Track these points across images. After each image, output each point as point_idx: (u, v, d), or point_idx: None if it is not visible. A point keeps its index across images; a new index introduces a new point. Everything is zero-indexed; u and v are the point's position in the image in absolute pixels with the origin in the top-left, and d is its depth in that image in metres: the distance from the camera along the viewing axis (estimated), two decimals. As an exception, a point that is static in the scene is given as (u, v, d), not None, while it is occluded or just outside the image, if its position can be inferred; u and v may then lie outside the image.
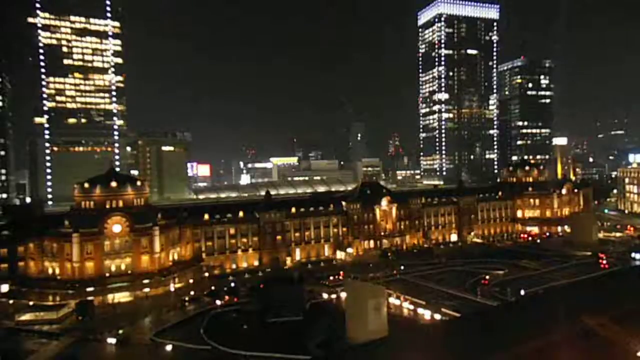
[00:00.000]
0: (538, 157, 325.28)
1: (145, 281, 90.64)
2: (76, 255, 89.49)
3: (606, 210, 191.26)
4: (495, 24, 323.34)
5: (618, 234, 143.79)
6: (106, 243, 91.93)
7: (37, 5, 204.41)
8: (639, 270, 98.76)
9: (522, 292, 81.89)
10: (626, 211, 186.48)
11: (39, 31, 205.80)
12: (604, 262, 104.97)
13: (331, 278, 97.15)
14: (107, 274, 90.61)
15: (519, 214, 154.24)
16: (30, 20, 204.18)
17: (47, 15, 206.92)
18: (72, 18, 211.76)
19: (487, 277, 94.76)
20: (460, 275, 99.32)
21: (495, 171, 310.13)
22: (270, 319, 72.79)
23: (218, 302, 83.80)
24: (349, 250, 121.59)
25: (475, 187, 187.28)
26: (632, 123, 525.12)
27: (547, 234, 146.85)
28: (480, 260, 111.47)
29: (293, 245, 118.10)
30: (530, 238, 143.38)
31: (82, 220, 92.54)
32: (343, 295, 79.74)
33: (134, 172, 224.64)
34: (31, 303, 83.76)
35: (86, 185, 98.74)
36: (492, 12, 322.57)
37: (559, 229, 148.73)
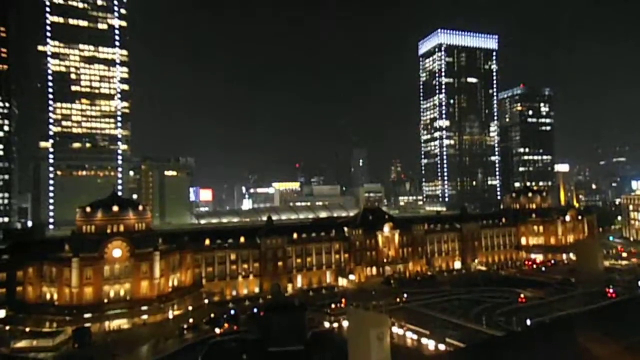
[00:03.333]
0: (540, 183, 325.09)
1: (144, 308, 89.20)
2: (75, 280, 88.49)
3: (611, 238, 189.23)
4: (494, 53, 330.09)
5: (624, 262, 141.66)
6: (106, 268, 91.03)
7: (48, 34, 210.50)
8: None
9: (528, 322, 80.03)
10: (631, 239, 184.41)
11: (49, 59, 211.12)
12: (611, 291, 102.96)
13: (333, 306, 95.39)
14: (106, 300, 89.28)
15: (523, 241, 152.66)
16: (41, 48, 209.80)
17: (57, 43, 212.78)
18: (81, 46, 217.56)
19: (522, 295, 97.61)
20: (465, 303, 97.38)
21: (498, 198, 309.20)
22: (271, 348, 71.09)
23: (217, 331, 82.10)
24: (351, 277, 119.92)
25: (478, 213, 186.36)
26: (634, 150, 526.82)
27: (552, 261, 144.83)
28: (484, 289, 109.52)
29: (294, 271, 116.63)
30: (534, 266, 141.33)
31: (82, 244, 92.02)
32: (345, 323, 78.08)
33: (136, 197, 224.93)
34: (28, 329, 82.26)
35: (88, 209, 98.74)
36: (491, 42, 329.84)
37: (564, 256, 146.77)
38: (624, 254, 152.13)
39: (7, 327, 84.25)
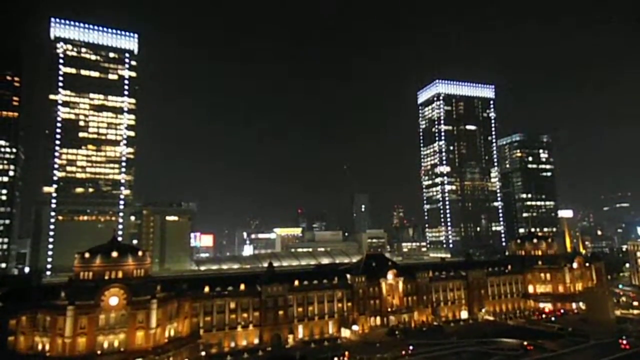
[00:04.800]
0: (545, 229, 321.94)
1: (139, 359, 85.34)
2: (69, 330, 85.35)
3: (620, 286, 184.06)
4: (491, 102, 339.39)
5: (636, 311, 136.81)
6: (101, 317, 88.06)
7: (60, 84, 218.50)
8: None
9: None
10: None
11: (59, 107, 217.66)
12: (624, 342, 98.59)
13: (336, 359, 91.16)
14: (99, 352, 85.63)
15: (530, 289, 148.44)
16: (52, 97, 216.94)
17: (68, 92, 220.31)
18: (92, 95, 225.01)
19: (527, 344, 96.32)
20: (474, 356, 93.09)
21: (503, 244, 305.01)
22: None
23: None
24: (355, 327, 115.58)
25: (484, 260, 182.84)
26: (636, 196, 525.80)
27: (562, 310, 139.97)
28: (493, 340, 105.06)
29: (296, 321, 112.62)
30: (543, 315, 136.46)
31: (79, 291, 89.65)
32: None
33: (136, 242, 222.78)
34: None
35: (87, 255, 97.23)
36: (487, 92, 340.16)
37: (574, 305, 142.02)
38: (635, 303, 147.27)
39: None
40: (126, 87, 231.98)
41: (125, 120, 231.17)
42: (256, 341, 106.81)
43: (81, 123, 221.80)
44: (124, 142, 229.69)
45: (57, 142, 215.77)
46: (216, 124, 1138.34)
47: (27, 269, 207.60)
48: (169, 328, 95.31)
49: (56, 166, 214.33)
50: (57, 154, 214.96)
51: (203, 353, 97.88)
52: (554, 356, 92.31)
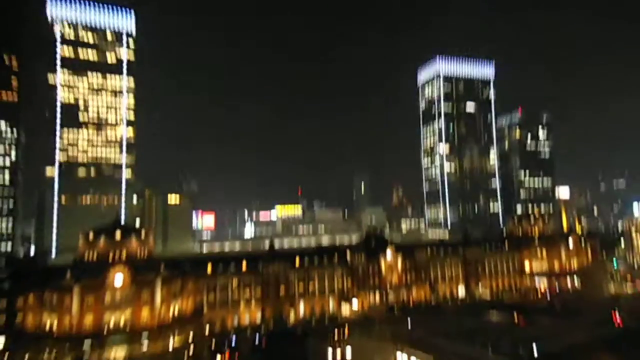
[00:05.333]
0: (542, 208, 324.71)
1: (144, 337, 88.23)
2: (76, 308, 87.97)
3: (615, 263, 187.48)
4: (491, 80, 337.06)
5: (630, 288, 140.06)
6: (107, 295, 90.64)
7: (58, 65, 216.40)
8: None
9: (535, 350, 78.76)
10: (635, 265, 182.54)
11: (58, 89, 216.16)
12: (618, 317, 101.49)
13: (336, 334, 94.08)
14: (106, 329, 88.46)
15: (527, 266, 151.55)
16: (50, 78, 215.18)
17: (66, 74, 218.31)
18: (90, 77, 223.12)
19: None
20: (470, 330, 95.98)
21: (500, 222, 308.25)
22: (273, 378, 69.94)
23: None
24: (354, 304, 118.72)
25: (481, 238, 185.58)
26: (633, 174, 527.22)
27: (557, 287, 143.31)
28: (485, 315, 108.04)
29: (297, 298, 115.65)
30: (539, 292, 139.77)
31: (84, 271, 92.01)
32: (349, 351, 77.02)
33: (139, 223, 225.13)
34: (27, 358, 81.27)
35: (91, 236, 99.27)
36: (488, 70, 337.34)
37: (569, 282, 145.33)
38: (629, 279, 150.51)
39: (5, 356, 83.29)
40: (125, 68, 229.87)
41: (125, 102, 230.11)
42: (258, 318, 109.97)
43: (80, 105, 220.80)
44: (124, 124, 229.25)
45: (57, 124, 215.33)
46: (218, 106, 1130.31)
47: (32, 250, 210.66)
48: (174, 306, 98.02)
49: (57, 149, 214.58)
50: (57, 136, 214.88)
51: (207, 330, 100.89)
52: (547, 331, 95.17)
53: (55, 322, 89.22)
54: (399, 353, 75.81)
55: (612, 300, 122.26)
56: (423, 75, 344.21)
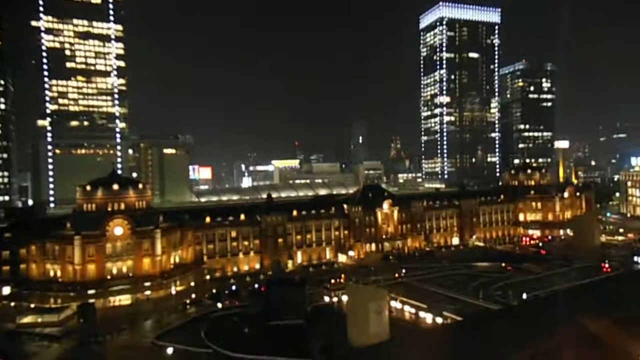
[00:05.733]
0: (540, 160, 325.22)
1: (147, 284, 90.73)
2: (78, 257, 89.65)
3: (608, 214, 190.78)
4: (496, 27, 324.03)
5: (620, 238, 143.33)
6: (108, 246, 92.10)
7: (41, 8, 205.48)
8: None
9: (524, 296, 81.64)
10: (628, 215, 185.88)
11: (43, 34, 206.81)
12: (607, 266, 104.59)
13: (332, 281, 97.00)
14: (109, 277, 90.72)
15: (521, 217, 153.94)
16: (34, 23, 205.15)
17: (50, 18, 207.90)
18: (75, 21, 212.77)
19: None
20: (462, 278, 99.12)
21: (497, 175, 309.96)
22: (272, 322, 72.66)
23: (219, 305, 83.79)
24: (351, 253, 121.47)
25: (477, 190, 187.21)
26: (635, 126, 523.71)
27: (549, 237, 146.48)
28: (473, 264, 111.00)
29: (294, 248, 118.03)
30: (531, 241, 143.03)
31: (84, 222, 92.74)
32: (345, 298, 79.62)
33: (135, 175, 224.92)
34: (32, 305, 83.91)
35: (88, 188, 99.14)
36: (493, 16, 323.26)
37: (561, 232, 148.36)
38: (620, 230, 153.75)
39: (12, 304, 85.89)
40: (111, 12, 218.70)
41: (114, 50, 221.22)
42: (257, 266, 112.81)
43: (67, 52, 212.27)
44: (115, 72, 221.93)
45: (45, 73, 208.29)
46: (214, 60, 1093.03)
47: (30, 202, 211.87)
48: (174, 255, 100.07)
49: (48, 99, 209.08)
50: (47, 86, 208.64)
51: (208, 277, 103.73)
52: (538, 278, 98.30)
53: (59, 271, 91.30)
54: (392, 301, 78.41)
55: (603, 248, 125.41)
56: (425, 20, 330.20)
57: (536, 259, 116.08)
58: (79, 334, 71.29)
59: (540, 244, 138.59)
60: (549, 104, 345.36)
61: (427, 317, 73.25)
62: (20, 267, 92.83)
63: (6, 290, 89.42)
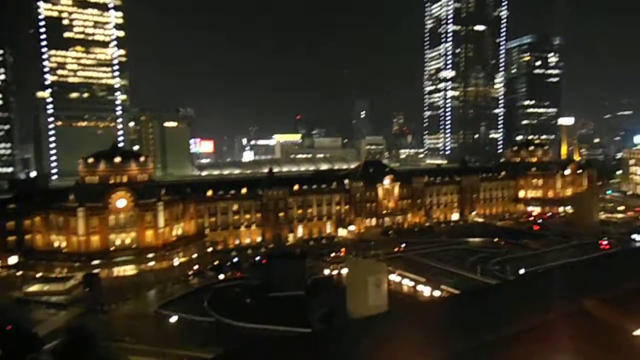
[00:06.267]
0: (543, 137, 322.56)
1: (150, 255, 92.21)
2: (82, 229, 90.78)
3: (609, 192, 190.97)
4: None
5: (620, 215, 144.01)
6: (111, 217, 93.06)
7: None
8: (638, 251, 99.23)
9: (522, 271, 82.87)
10: (629, 192, 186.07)
11: (40, 2, 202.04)
12: (605, 243, 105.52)
13: (333, 255, 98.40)
14: (113, 248, 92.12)
15: (522, 194, 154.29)
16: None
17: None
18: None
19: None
20: (461, 253, 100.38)
21: (500, 151, 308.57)
22: (273, 293, 74.21)
23: (221, 277, 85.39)
24: (351, 228, 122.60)
25: (478, 166, 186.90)
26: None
27: (549, 214, 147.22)
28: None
29: (295, 222, 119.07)
30: (531, 218, 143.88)
31: (87, 194, 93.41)
32: (344, 271, 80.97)
33: (137, 148, 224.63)
34: (39, 275, 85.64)
35: (90, 160, 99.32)
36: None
37: (561, 209, 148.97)
38: (620, 207, 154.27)
39: (19, 273, 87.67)
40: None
41: (113, 19, 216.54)
42: (259, 239, 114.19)
43: (65, 21, 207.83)
44: (114, 43, 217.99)
45: (43, 43, 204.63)
46: (216, 31, 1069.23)
47: (33, 174, 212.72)
48: (177, 227, 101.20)
49: (47, 70, 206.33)
50: (45, 56, 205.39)
51: (210, 249, 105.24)
52: (536, 254, 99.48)
53: (64, 242, 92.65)
54: (391, 274, 79.70)
55: (602, 226, 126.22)
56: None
57: (534, 235, 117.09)
58: (85, 303, 73.09)
59: (540, 221, 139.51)
60: (555, 79, 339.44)
61: (425, 291, 74.66)
62: (25, 237, 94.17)
63: (13, 260, 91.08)
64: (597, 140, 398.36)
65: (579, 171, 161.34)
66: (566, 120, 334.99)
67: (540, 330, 5.34)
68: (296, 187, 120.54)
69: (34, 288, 78.76)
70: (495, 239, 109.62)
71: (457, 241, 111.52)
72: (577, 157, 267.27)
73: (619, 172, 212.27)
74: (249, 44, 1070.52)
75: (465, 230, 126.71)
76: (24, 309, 71.86)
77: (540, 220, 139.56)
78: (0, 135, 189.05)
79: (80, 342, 46.26)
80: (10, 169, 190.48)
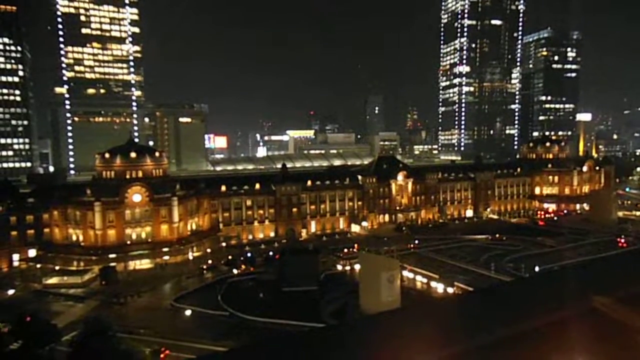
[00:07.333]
0: (560, 133, 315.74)
1: (165, 249, 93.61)
2: (98, 223, 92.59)
3: (627, 189, 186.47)
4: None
5: (638, 213, 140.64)
6: (127, 212, 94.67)
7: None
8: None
9: (537, 269, 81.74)
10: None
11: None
12: (622, 240, 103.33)
13: (346, 250, 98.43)
14: (128, 242, 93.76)
15: (537, 190, 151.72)
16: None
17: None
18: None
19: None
20: (475, 250, 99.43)
21: (515, 147, 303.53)
22: (286, 288, 74.66)
23: (235, 271, 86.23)
24: (364, 223, 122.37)
25: (493, 163, 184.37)
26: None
27: (565, 211, 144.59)
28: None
29: (308, 217, 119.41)
30: (547, 215, 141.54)
31: (103, 189, 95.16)
32: (357, 267, 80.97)
33: (152, 143, 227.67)
34: (57, 268, 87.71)
35: (107, 155, 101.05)
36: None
37: (577, 206, 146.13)
38: (639, 205, 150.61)
39: (38, 265, 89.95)
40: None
41: (128, 15, 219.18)
42: (272, 234, 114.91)
43: (82, 18, 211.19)
44: (130, 39, 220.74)
45: (61, 39, 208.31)
46: (229, 27, 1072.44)
47: (51, 168, 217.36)
48: (191, 222, 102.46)
49: (64, 66, 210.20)
50: (62, 52, 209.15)
51: (224, 244, 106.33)
52: (552, 252, 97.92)
53: (81, 235, 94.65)
54: (404, 270, 79.43)
55: (620, 223, 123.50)
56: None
57: (551, 232, 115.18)
58: (101, 295, 74.70)
59: (556, 218, 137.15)
60: (573, 74, 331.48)
61: (439, 287, 74.23)
62: (44, 231, 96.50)
63: (32, 252, 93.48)
64: (615, 136, 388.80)
65: (596, 168, 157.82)
66: (584, 116, 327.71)
67: (554, 328, 5.32)
68: (309, 182, 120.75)
69: (53, 280, 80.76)
70: (505, 237, 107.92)
71: (470, 238, 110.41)
72: (595, 154, 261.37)
73: (638, 168, 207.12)
74: (264, 40, 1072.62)
75: (480, 227, 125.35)
76: (43, 301, 73.77)
77: (556, 218, 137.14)
78: (19, 130, 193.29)
79: (97, 333, 47.36)
80: (29, 164, 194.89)
